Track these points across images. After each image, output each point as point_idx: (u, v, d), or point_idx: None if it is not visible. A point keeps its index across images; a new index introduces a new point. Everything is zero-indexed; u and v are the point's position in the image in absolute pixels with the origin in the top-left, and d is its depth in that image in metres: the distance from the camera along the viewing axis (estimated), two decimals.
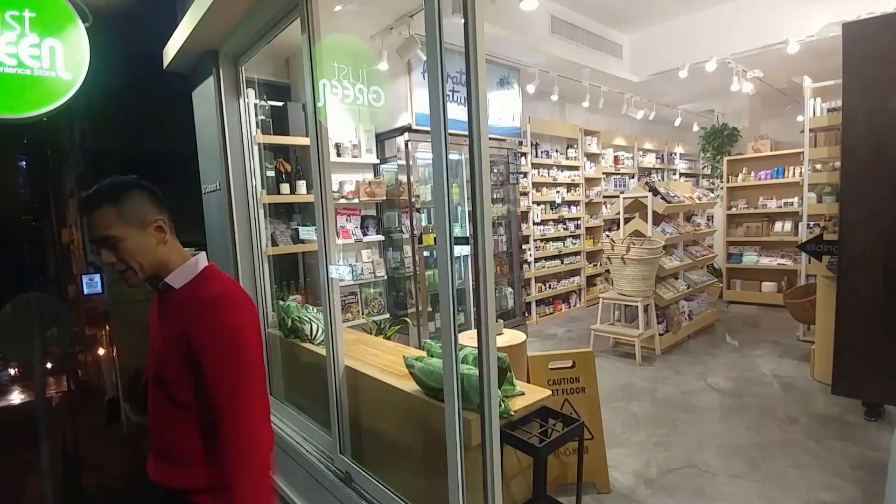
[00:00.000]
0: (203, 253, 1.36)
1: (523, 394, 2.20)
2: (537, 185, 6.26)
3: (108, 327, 11.68)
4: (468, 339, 2.81)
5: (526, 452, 1.90)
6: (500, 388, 2.11)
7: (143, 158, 9.72)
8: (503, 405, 2.02)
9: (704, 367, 4.23)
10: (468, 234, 1.67)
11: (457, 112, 1.59)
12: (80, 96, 3.10)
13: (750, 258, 6.55)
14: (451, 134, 1.69)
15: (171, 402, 1.23)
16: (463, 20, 1.59)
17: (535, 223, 6.19)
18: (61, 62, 3.01)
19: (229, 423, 1.15)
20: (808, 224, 4.55)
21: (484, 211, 1.61)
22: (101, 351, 13.28)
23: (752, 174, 6.62)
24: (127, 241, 1.19)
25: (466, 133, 1.64)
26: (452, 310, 1.72)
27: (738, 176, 6.70)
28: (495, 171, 5.35)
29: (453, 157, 1.40)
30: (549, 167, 6.46)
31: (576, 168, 6.87)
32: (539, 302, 6.34)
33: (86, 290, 10.71)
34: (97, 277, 10.83)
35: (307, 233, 3.90)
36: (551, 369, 2.48)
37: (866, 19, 0.73)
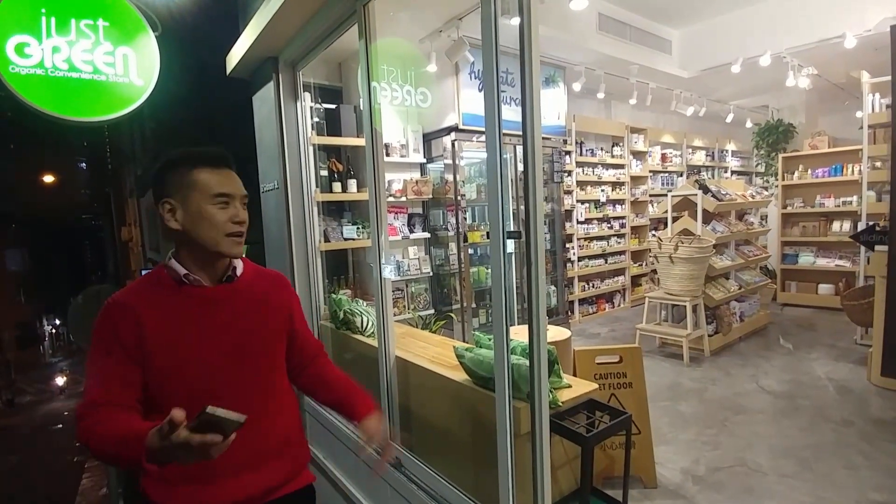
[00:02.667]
0: None
1: (570, 386, 2.25)
2: (581, 184, 6.23)
3: None
4: (514, 334, 2.87)
5: (574, 441, 1.95)
6: (548, 378, 2.17)
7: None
8: (551, 396, 2.08)
9: (756, 370, 4.12)
10: (520, 229, 1.75)
11: (505, 112, 1.65)
12: (145, 101, 3.34)
13: (806, 259, 6.29)
14: (510, 134, 1.76)
15: (267, 395, 1.25)
16: (518, 21, 1.66)
17: (578, 222, 6.17)
18: (134, 69, 3.24)
19: (325, 354, 1.51)
20: (868, 223, 4.36)
21: (536, 207, 1.68)
22: None
23: (809, 172, 6.35)
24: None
25: (514, 133, 1.71)
26: (505, 299, 1.80)
27: (793, 173, 6.44)
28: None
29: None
30: (594, 165, 6.41)
31: (621, 166, 6.78)
32: (582, 301, 6.31)
33: None
34: None
35: (350, 232, 4.07)
36: (598, 364, 2.52)
37: None
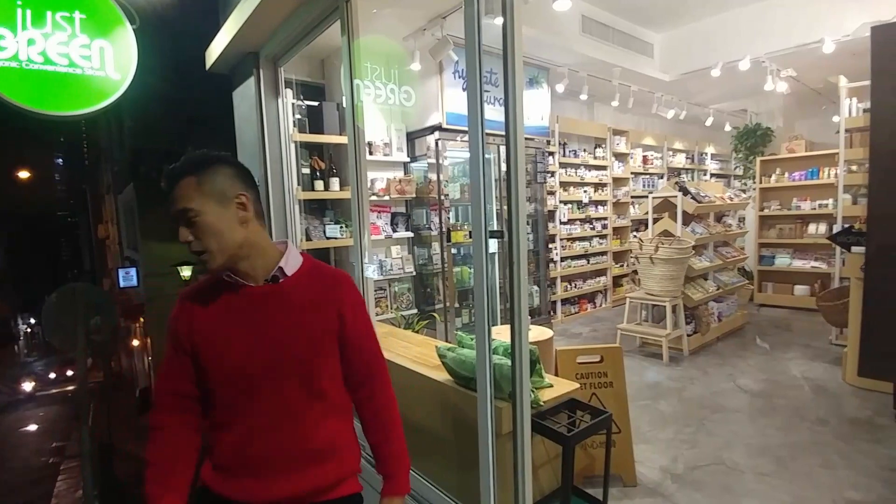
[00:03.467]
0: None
1: (552, 386, 2.26)
2: (564, 185, 6.27)
3: (142, 320, 12.13)
4: (496, 333, 2.87)
5: (555, 441, 1.96)
6: (529, 378, 2.17)
7: (181, 156, 10.09)
8: (533, 395, 2.07)
9: (733, 369, 4.19)
10: (502, 229, 1.74)
11: (489, 112, 1.64)
12: (122, 96, 3.25)
13: (783, 260, 6.42)
14: (493, 134, 1.75)
15: (311, 398, 1.19)
16: (501, 21, 1.65)
17: (561, 222, 6.20)
18: (111, 62, 3.15)
19: (382, 377, 1.34)
20: (843, 226, 4.47)
21: (519, 207, 1.67)
22: (135, 342, 13.80)
23: (786, 175, 6.48)
24: (205, 216, 1.10)
25: (497, 133, 1.71)
26: (487, 299, 1.79)
27: (771, 176, 6.57)
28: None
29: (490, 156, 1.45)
30: (577, 167, 6.46)
31: (604, 168, 6.85)
32: (564, 301, 6.35)
33: (121, 284, 11.17)
34: (133, 271, 11.28)
35: (333, 230, 4.03)
36: (579, 363, 2.53)
37: (893, 23, 0.77)
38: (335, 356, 1.25)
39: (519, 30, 1.64)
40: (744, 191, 7.37)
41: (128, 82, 3.21)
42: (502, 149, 4.86)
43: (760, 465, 2.65)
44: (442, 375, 2.27)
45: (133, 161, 11.15)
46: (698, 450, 2.83)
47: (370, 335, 1.32)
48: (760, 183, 6.61)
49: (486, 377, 1.84)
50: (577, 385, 2.32)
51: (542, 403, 2.10)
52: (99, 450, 10.10)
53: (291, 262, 1.23)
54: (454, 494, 2.19)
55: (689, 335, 4.57)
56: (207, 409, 1.21)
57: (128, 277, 11.32)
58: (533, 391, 2.11)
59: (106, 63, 3.16)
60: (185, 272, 9.77)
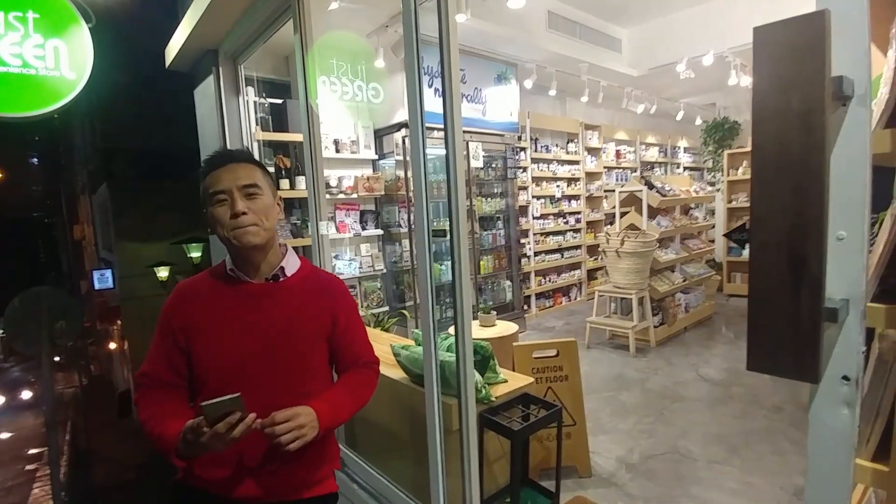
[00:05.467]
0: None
1: (506, 381, 2.29)
2: (537, 180, 6.31)
3: (119, 322, 11.94)
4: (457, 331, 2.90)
5: (504, 435, 1.99)
6: (482, 375, 2.20)
7: (152, 155, 9.93)
8: (484, 391, 2.10)
9: (698, 359, 4.28)
10: (445, 228, 1.76)
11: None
12: (91, 95, 3.21)
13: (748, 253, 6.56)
14: (436, 128, 1.75)
15: (298, 397, 1.18)
16: (437, 16, 1.66)
17: (534, 217, 6.25)
18: (65, 62, 3.09)
19: (371, 366, 1.42)
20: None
21: (459, 204, 1.69)
22: (112, 345, 13.58)
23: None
24: (266, 196, 1.23)
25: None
26: (431, 297, 1.81)
27: (738, 169, 6.69)
28: (494, 166, 5.42)
29: (442, 152, 1.46)
30: (549, 162, 6.50)
31: (576, 162, 6.90)
32: (539, 295, 6.41)
33: (97, 286, 10.97)
34: (108, 273, 11.09)
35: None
36: (535, 358, 2.56)
37: (772, 23, 0.80)
38: (325, 359, 1.33)
39: (454, 24, 1.65)
40: (713, 183, 7.50)
41: (83, 82, 3.15)
42: (472, 145, 4.88)
43: (714, 452, 2.72)
44: (399, 374, 2.29)
45: (106, 161, 10.97)
46: (655, 439, 2.90)
47: (363, 340, 1.41)
48: (728, 175, 6.73)
49: (433, 374, 1.86)
50: (532, 379, 2.36)
51: (493, 399, 2.13)
52: (76, 455, 9.96)
53: (291, 264, 1.31)
54: (410, 491, 2.21)
55: (655, 326, 4.65)
56: (193, 399, 1.24)
57: (103, 279, 11.13)
58: (484, 387, 2.14)
59: (61, 63, 3.10)
60: (162, 273, 9.63)
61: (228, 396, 1.00)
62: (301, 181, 3.98)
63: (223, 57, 3.41)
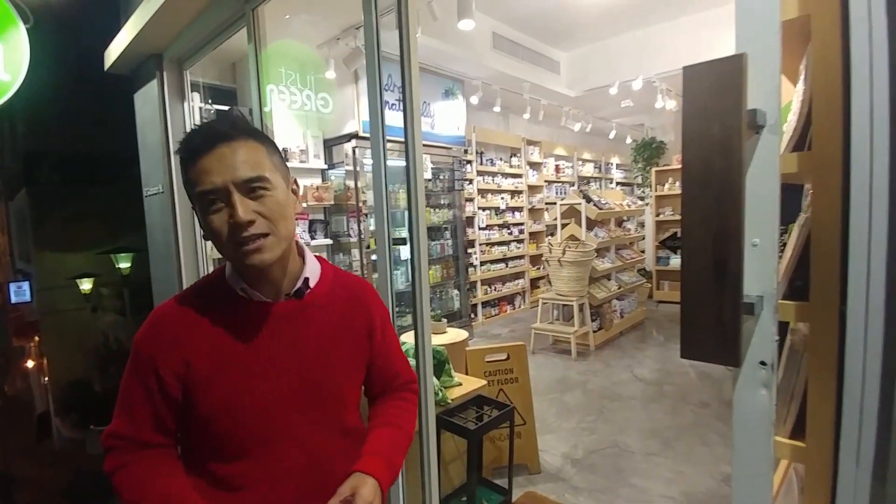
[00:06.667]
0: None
1: (461, 384, 2.38)
2: (482, 192, 6.52)
3: (37, 338, 10.96)
4: (412, 338, 2.97)
5: (460, 435, 2.08)
6: (438, 379, 2.28)
7: (80, 159, 9.28)
8: (441, 394, 2.19)
9: (632, 361, 4.59)
10: (406, 237, 1.84)
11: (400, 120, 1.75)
12: (16, 97, 3.03)
13: (677, 261, 7.10)
14: (395, 141, 1.84)
15: (341, 437, 0.99)
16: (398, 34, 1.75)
17: (480, 228, 6.44)
18: (0, 63, 2.94)
19: (411, 387, 1.17)
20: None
21: (419, 214, 1.78)
22: (30, 363, 12.40)
23: (677, 184, 7.19)
24: (278, 189, 0.87)
25: (400, 140, 1.80)
26: (392, 305, 1.88)
27: (664, 185, 7.25)
28: (441, 177, 5.56)
29: (399, 163, 1.51)
30: (494, 174, 6.74)
31: (519, 176, 7.20)
32: (485, 304, 6.58)
33: (13, 299, 10.05)
34: (25, 285, 10.19)
35: None
36: (487, 362, 2.68)
37: (699, 63, 0.96)
38: (360, 384, 1.06)
39: (414, 43, 1.75)
40: (642, 198, 8.05)
41: (18, 83, 3.00)
42: (427, 157, 4.98)
43: (649, 446, 2.95)
44: None
45: (27, 165, 10.13)
46: (597, 436, 3.09)
47: (399, 354, 1.16)
48: (656, 191, 7.27)
49: None
50: (485, 382, 2.47)
51: (450, 401, 2.22)
52: None
53: (313, 270, 0.99)
54: None
55: (594, 331, 4.94)
56: (200, 464, 0.92)
57: (20, 292, 10.19)
58: (441, 390, 2.22)
59: None
60: (85, 285, 8.95)
61: None
62: None
63: (168, 62, 3.32)
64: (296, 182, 0.97)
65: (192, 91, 3.47)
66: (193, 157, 0.84)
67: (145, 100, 3.59)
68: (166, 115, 3.36)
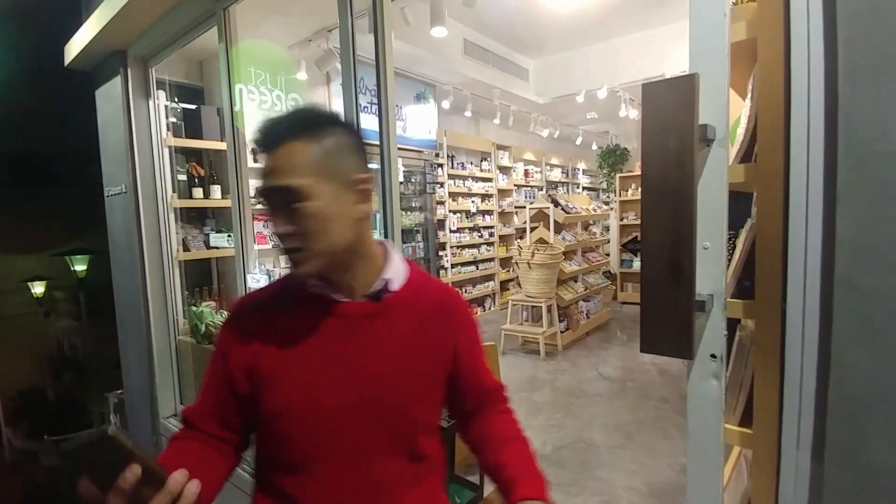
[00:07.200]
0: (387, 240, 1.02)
1: None
2: (453, 195, 6.59)
3: None
4: None
5: None
6: None
7: (32, 158, 8.84)
8: None
9: (598, 359, 4.74)
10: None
11: (374, 123, 1.78)
12: None
13: (638, 264, 7.35)
14: (369, 144, 1.88)
15: (411, 462, 0.88)
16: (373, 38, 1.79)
17: (451, 231, 6.51)
18: None
19: (506, 399, 1.10)
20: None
21: (395, 215, 1.82)
22: None
23: (640, 189, 7.45)
24: (317, 199, 0.77)
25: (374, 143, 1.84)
26: None
27: (628, 191, 7.50)
28: (413, 181, 5.60)
29: (372, 166, 1.54)
30: (465, 178, 6.83)
31: (489, 180, 7.31)
32: None
33: None
34: None
35: (218, 239, 3.87)
36: None
37: (656, 81, 1.04)
38: (440, 405, 0.96)
39: (390, 46, 1.80)
40: (607, 202, 8.31)
41: None
42: (399, 160, 5.02)
43: (613, 440, 3.07)
44: None
45: None
46: (564, 432, 3.20)
47: (485, 368, 1.04)
48: (620, 196, 7.51)
49: None
50: None
51: None
52: None
53: (397, 273, 0.90)
54: None
55: (562, 332, 5.07)
56: (263, 477, 0.89)
57: None
58: None
59: None
60: (38, 288, 8.53)
61: (95, 431, 0.60)
62: (216, 190, 3.85)
63: (133, 59, 3.25)
64: (364, 175, 0.83)
65: (157, 89, 3.41)
66: (260, 149, 0.81)
67: (108, 97, 3.50)
68: (130, 113, 3.29)
